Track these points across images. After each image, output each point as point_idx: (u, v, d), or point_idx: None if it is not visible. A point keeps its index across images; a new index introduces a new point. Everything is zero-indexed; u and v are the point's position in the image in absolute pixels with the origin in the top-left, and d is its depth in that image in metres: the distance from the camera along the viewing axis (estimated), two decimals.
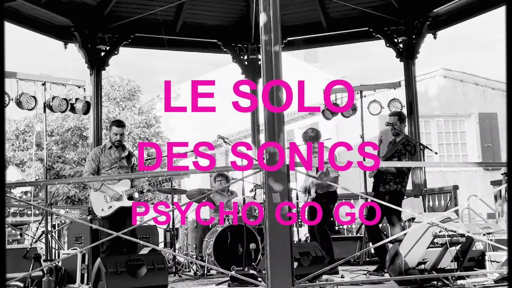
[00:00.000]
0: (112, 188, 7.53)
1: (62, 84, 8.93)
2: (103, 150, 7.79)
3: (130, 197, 7.69)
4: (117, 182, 7.60)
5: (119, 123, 7.90)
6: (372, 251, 8.75)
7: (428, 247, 5.96)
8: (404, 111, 10.00)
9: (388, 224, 8.26)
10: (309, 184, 8.21)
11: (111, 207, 7.52)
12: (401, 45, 10.95)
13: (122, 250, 7.35)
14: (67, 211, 14.18)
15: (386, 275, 6.84)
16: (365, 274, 7.58)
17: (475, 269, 6.60)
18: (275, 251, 5.06)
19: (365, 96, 10.67)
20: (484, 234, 6.67)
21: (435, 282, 6.03)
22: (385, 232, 8.87)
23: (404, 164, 7.87)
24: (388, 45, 11.02)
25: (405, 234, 6.36)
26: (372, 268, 7.93)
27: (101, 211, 7.54)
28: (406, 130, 8.35)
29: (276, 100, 5.31)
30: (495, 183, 9.28)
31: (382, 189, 7.91)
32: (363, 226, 9.51)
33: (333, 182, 7.85)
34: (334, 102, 10.62)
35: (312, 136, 8.37)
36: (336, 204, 8.67)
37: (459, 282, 6.07)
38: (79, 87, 9.19)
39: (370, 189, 8.40)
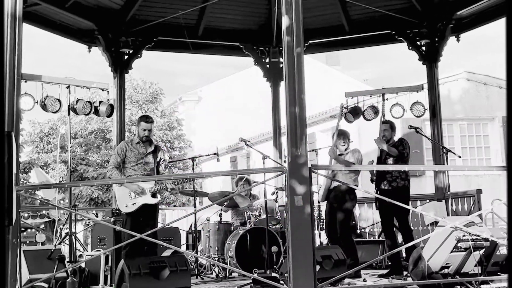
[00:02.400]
0: (135, 183, 7.58)
1: (86, 87, 9.00)
2: (129, 145, 7.85)
3: (154, 195, 7.74)
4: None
5: (148, 119, 7.95)
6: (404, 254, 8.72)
7: (451, 251, 5.93)
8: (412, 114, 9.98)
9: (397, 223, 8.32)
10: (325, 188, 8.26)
11: (135, 203, 7.58)
12: (423, 48, 10.89)
13: (143, 248, 7.38)
14: (88, 213, 14.29)
15: (409, 279, 6.81)
16: (388, 278, 7.56)
17: (499, 274, 6.53)
18: (297, 254, 5.06)
19: (387, 99, 10.60)
20: (508, 239, 6.61)
21: (459, 287, 5.99)
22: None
23: (428, 168, 7.88)
24: (410, 48, 10.96)
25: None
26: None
27: (125, 207, 7.60)
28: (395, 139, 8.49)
29: (298, 102, 5.31)
30: None
31: (389, 187, 8.00)
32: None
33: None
34: (355, 105, 10.59)
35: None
36: (355, 205, 8.69)
37: (483, 287, 6.02)
38: (102, 90, 9.26)
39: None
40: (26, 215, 11.10)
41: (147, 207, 7.64)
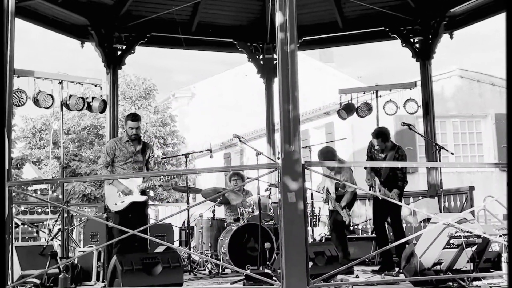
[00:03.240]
0: (122, 183, 7.59)
1: (79, 82, 8.97)
2: (118, 143, 7.83)
3: (143, 192, 7.73)
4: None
5: (134, 117, 7.90)
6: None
7: (444, 248, 5.94)
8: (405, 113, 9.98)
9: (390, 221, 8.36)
10: (327, 194, 8.27)
11: (123, 201, 7.58)
12: (417, 45, 10.90)
13: (133, 244, 7.36)
14: (79, 209, 14.26)
15: (401, 276, 6.83)
16: (380, 274, 7.58)
17: (491, 270, 6.55)
18: (290, 251, 5.06)
19: (380, 96, 10.64)
20: (500, 235, 6.62)
21: (451, 283, 6.01)
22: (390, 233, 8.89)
23: (421, 165, 7.91)
24: (404, 45, 10.97)
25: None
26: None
27: (114, 206, 7.61)
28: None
29: (292, 99, 5.31)
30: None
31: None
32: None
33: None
34: (349, 102, 10.60)
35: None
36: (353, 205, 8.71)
37: (475, 283, 6.04)
38: (95, 85, 9.24)
39: None
40: (39, 210, 11.09)
41: (135, 204, 7.64)
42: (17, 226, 10.28)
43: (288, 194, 5.12)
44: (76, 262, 7.56)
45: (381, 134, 8.16)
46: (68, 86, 8.80)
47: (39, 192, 12.58)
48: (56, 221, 9.17)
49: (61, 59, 78.27)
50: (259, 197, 8.35)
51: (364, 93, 11.04)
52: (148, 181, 7.73)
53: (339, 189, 8.19)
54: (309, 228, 9.18)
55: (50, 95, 8.54)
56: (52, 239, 8.48)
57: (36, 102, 8.50)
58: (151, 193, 24.46)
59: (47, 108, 8.71)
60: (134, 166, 7.80)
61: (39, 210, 11.06)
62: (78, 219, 10.97)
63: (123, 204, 7.58)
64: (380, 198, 7.94)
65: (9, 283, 5.73)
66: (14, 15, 5.83)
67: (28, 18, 9.81)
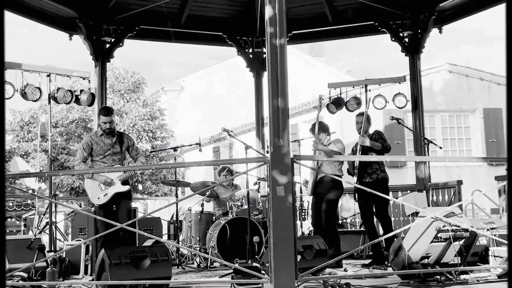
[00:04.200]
0: (102, 174, 7.49)
1: (67, 75, 8.91)
2: (93, 137, 7.72)
3: (125, 182, 7.64)
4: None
5: (106, 111, 7.75)
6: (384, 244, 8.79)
7: (431, 242, 5.96)
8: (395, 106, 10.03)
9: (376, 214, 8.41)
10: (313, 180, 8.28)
11: (106, 194, 7.47)
12: (406, 40, 10.92)
13: (119, 237, 7.27)
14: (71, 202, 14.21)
15: (389, 269, 6.85)
16: (368, 268, 7.61)
17: (478, 264, 6.59)
18: (279, 244, 5.07)
19: (369, 90, 10.64)
20: (487, 229, 6.66)
21: (438, 277, 6.03)
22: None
23: (409, 159, 7.95)
24: (393, 39, 10.99)
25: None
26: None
27: (97, 200, 7.49)
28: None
29: (281, 93, 5.30)
30: (499, 178, 9.26)
31: (369, 179, 8.12)
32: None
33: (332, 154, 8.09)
34: (338, 96, 10.61)
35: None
36: (341, 195, 8.73)
37: (462, 277, 6.07)
38: (84, 78, 9.18)
39: None
40: (10, 204, 11.01)
41: (119, 196, 7.55)
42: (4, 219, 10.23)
43: (277, 188, 5.12)
44: (64, 255, 7.54)
45: (368, 117, 8.37)
46: (56, 79, 8.73)
47: (30, 191, 12.50)
48: (43, 214, 9.13)
49: (49, 51, 77.81)
50: (248, 191, 8.35)
51: (353, 87, 11.04)
52: (127, 172, 7.67)
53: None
54: (298, 222, 9.21)
55: (38, 88, 8.48)
56: (39, 233, 8.45)
57: (24, 95, 8.43)
58: (140, 187, 24.41)
59: (35, 101, 8.65)
60: (113, 158, 7.66)
61: (29, 202, 11.01)
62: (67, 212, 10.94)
63: (107, 197, 7.47)
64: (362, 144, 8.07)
65: None
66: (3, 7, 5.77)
67: (15, 11, 9.72)
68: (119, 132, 7.97)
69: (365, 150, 8.28)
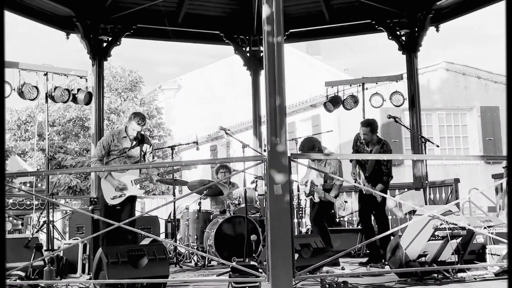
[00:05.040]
0: (116, 178, 7.49)
1: (64, 74, 8.89)
2: (115, 138, 7.66)
3: (139, 186, 7.67)
4: (125, 171, 7.57)
5: (143, 121, 7.64)
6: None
7: (429, 240, 5.97)
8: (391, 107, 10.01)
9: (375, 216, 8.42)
10: (312, 187, 8.26)
11: (121, 195, 7.49)
12: (403, 38, 10.93)
13: (123, 235, 7.27)
14: (67, 201, 14.19)
15: (387, 267, 6.86)
16: (366, 266, 7.62)
17: (475, 262, 6.60)
18: (276, 243, 5.07)
19: (367, 89, 10.67)
20: (485, 227, 6.67)
21: (436, 275, 6.04)
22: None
23: (406, 157, 7.94)
24: (390, 37, 11.00)
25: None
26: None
27: (111, 200, 7.51)
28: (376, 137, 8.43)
29: (278, 91, 5.30)
30: (496, 176, 9.28)
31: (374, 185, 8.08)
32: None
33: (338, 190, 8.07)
34: (335, 94, 10.62)
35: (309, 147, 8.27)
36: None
37: (460, 275, 6.08)
38: (81, 77, 9.16)
39: None
40: (28, 202, 11.01)
41: (131, 198, 7.59)
42: None
43: (274, 186, 5.12)
44: (61, 254, 7.53)
45: (370, 123, 8.21)
46: (53, 77, 8.71)
47: (28, 185, 12.46)
48: (41, 213, 9.12)
49: (46, 50, 77.70)
50: (245, 189, 8.35)
51: (350, 85, 11.08)
52: (144, 174, 7.67)
53: (327, 181, 8.20)
54: (295, 220, 9.21)
55: (35, 86, 8.47)
56: (37, 232, 8.44)
57: (21, 94, 8.42)
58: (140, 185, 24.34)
59: (32, 100, 8.63)
60: (126, 161, 7.65)
61: (28, 203, 10.99)
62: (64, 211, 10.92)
63: (121, 198, 7.50)
64: (364, 192, 8.01)
65: None
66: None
67: (13, 10, 9.71)
68: (142, 135, 7.85)
69: (374, 167, 8.17)
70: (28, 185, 12.56)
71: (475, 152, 19.64)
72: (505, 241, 6.21)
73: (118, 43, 10.93)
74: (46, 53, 76.51)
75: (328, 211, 8.61)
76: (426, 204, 9.45)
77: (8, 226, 9.74)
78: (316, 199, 8.27)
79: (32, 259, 6.90)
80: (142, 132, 7.88)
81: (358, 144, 8.31)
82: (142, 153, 7.79)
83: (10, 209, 10.76)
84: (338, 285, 5.68)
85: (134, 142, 7.70)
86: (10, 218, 10.73)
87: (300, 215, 9.63)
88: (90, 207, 8.50)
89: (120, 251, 5.76)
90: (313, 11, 11.72)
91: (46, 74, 8.57)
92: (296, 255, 5.81)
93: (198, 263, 8.30)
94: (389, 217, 9.58)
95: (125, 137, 7.68)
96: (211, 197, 9.72)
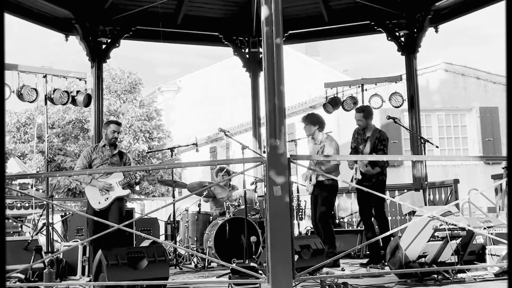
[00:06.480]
0: (101, 180, 7.54)
1: (63, 76, 8.89)
2: (95, 148, 7.85)
3: (124, 187, 7.66)
4: (110, 175, 7.59)
5: (118, 123, 8.03)
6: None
7: (428, 241, 5.97)
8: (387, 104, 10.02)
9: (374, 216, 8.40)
10: (310, 172, 8.22)
11: (107, 198, 7.51)
12: (402, 39, 10.94)
13: (110, 236, 7.24)
14: (65, 203, 14.18)
15: (387, 268, 6.86)
16: (366, 267, 7.62)
17: (475, 262, 6.61)
18: (276, 244, 5.06)
19: (366, 90, 10.67)
20: (484, 228, 6.68)
21: (436, 276, 6.04)
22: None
23: (406, 158, 7.93)
24: (389, 38, 11.00)
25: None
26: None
27: (98, 204, 7.51)
28: (372, 124, 8.41)
29: (277, 93, 5.30)
30: (495, 177, 9.28)
31: (369, 183, 8.04)
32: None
33: (333, 169, 7.96)
34: (335, 95, 10.63)
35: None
36: (336, 197, 8.71)
37: (460, 275, 6.08)
38: (80, 79, 9.16)
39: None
40: (18, 205, 11.01)
41: (119, 199, 7.60)
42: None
43: (274, 187, 5.12)
44: (61, 256, 7.53)
45: (363, 109, 8.28)
46: (52, 80, 8.71)
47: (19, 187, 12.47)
48: (40, 215, 9.11)
49: (45, 52, 77.70)
50: (245, 191, 8.35)
51: (349, 86, 11.07)
52: (128, 177, 7.69)
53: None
54: (295, 222, 9.21)
55: (34, 89, 8.47)
56: (36, 234, 8.43)
57: (20, 96, 8.42)
58: (137, 188, 24.38)
59: (31, 102, 8.63)
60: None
61: (26, 205, 10.99)
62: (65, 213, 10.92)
63: (108, 201, 7.51)
64: (358, 188, 8.02)
65: None
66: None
67: (11, 12, 9.71)
68: (121, 150, 8.08)
69: (371, 151, 8.18)
70: (30, 187, 12.56)
71: (474, 152, 19.63)
72: (505, 241, 6.21)
73: (117, 45, 10.92)
74: (44, 55, 76.51)
75: (331, 211, 8.59)
76: (425, 205, 9.46)
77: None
78: (313, 181, 8.20)
79: (31, 261, 6.89)
80: (120, 149, 8.10)
81: (356, 136, 8.34)
82: (123, 162, 7.88)
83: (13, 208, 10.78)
84: (338, 286, 5.68)
85: (115, 151, 7.85)
86: (10, 220, 10.71)
87: (300, 216, 9.62)
88: (85, 208, 8.51)
89: (119, 253, 5.76)
90: (312, 12, 11.72)
91: (45, 76, 8.56)
92: (296, 256, 5.81)
93: (198, 264, 8.30)
94: (389, 218, 9.58)
95: (104, 146, 7.83)
96: (211, 199, 9.72)
